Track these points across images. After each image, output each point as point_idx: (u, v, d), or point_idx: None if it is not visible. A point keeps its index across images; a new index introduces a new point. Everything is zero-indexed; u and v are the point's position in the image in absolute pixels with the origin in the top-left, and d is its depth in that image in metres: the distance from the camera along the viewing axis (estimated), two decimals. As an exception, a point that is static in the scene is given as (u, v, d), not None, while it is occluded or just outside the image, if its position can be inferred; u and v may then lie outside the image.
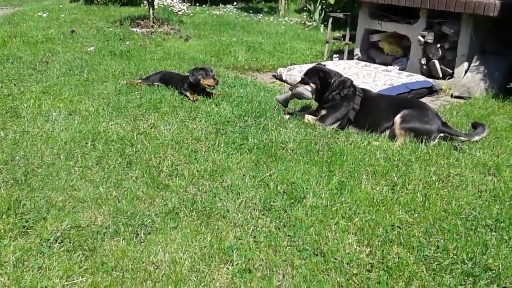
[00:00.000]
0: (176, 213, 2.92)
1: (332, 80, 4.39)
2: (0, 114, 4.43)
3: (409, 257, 2.55)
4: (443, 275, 2.44)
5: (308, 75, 4.52)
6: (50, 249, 2.56)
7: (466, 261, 2.53)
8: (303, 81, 4.52)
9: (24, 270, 2.41)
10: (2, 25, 8.84)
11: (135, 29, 8.65)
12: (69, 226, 2.74)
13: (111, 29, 8.67)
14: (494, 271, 2.46)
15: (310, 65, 5.09)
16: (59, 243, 2.61)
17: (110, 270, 2.41)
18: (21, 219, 2.80)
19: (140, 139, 3.95)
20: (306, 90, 4.47)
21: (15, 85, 5.33)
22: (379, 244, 2.66)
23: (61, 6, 11.49)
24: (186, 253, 2.54)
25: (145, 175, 3.37)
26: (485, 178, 3.47)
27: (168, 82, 5.38)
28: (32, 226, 2.75)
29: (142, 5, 11.62)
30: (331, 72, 4.50)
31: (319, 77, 4.43)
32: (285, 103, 4.70)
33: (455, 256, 2.56)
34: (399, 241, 2.69)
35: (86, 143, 3.85)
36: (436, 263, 2.52)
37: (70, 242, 2.62)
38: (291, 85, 4.78)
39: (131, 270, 2.41)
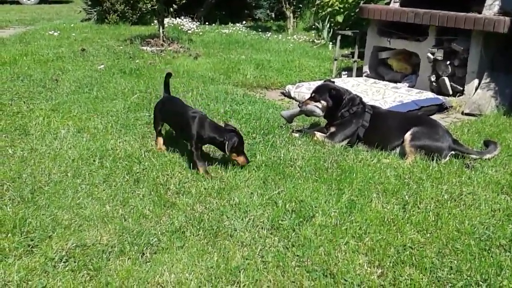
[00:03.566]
0: (182, 231, 2.88)
1: (344, 98, 4.35)
2: (9, 132, 4.44)
3: (422, 278, 2.48)
4: (457, 298, 2.36)
5: (319, 92, 4.47)
6: (54, 268, 2.53)
7: (481, 282, 2.45)
8: (314, 99, 4.46)
9: (28, 290, 2.38)
10: (13, 44, 8.95)
11: (145, 48, 8.72)
12: (74, 245, 2.71)
13: (121, 47, 8.74)
14: (510, 293, 2.39)
15: (318, 82, 5.06)
16: (64, 262, 2.57)
17: (115, 291, 2.36)
18: (27, 237, 2.78)
19: (148, 157, 3.93)
20: (317, 107, 4.42)
21: (24, 102, 5.36)
22: (391, 265, 2.59)
23: (72, 25, 11.64)
24: (192, 273, 2.49)
25: (152, 193, 3.34)
26: (498, 197, 3.39)
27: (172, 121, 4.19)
28: (38, 245, 2.72)
29: (152, 24, 11.73)
30: (342, 89, 4.46)
31: (330, 94, 4.39)
32: (290, 119, 4.66)
33: (469, 278, 2.49)
34: (411, 262, 2.62)
35: (94, 160, 3.83)
36: (450, 285, 2.45)
37: (75, 262, 2.58)
38: (300, 102, 4.74)
39: (136, 290, 2.37)
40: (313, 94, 4.50)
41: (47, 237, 2.78)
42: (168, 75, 4.35)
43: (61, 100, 5.45)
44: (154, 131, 4.23)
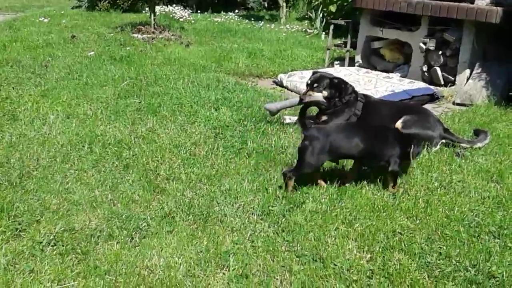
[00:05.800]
0: (172, 217, 2.86)
1: (347, 86, 4.28)
2: (-3, 117, 4.39)
3: (411, 264, 2.49)
4: (445, 283, 2.37)
5: (319, 82, 4.32)
6: (42, 252, 2.51)
7: (469, 268, 2.46)
8: (317, 89, 4.31)
9: (15, 273, 2.35)
10: (3, 30, 8.82)
11: (136, 35, 8.63)
12: (62, 229, 2.69)
13: (112, 34, 8.65)
14: (497, 278, 2.40)
15: (311, 71, 5.01)
16: (51, 246, 2.55)
17: (103, 274, 2.35)
18: (14, 221, 2.75)
19: (138, 143, 3.90)
20: (321, 98, 4.33)
21: (13, 88, 5.30)
22: (380, 250, 2.60)
23: (62, 12, 11.49)
24: (182, 257, 2.48)
25: (141, 178, 3.32)
26: (488, 185, 3.41)
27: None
28: (25, 229, 2.70)
29: (144, 11, 11.61)
30: (340, 78, 4.40)
31: (332, 84, 4.29)
32: (277, 111, 4.57)
33: (457, 263, 2.50)
34: (400, 247, 2.62)
35: (83, 146, 3.80)
36: (439, 270, 2.46)
37: (63, 245, 2.56)
38: (300, 94, 4.58)
39: (125, 274, 2.35)
40: (314, 85, 4.32)
41: (35, 221, 2.76)
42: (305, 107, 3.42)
43: (50, 86, 5.39)
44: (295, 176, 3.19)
